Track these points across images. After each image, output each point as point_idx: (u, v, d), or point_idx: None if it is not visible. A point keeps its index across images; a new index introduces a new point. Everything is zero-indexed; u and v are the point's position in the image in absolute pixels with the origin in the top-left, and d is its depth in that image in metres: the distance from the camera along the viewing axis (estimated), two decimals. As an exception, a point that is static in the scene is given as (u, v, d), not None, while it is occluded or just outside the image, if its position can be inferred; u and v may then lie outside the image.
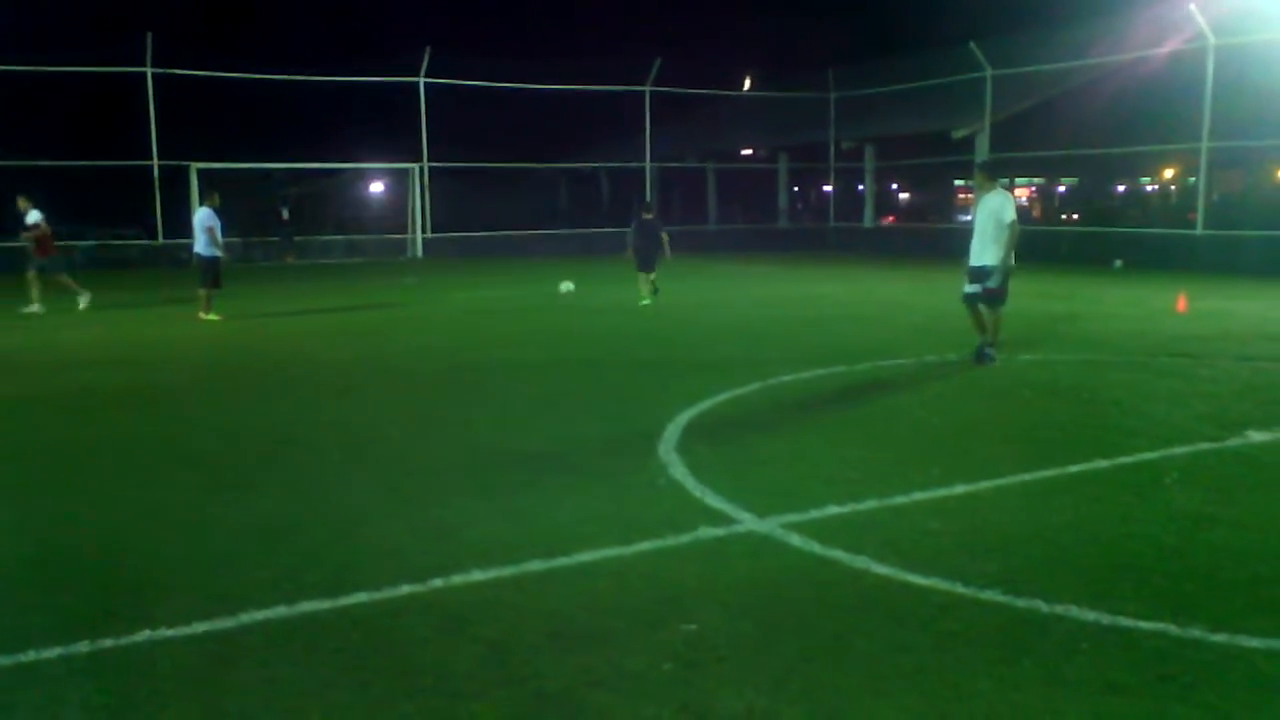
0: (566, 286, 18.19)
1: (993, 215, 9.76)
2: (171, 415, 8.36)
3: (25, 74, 26.36)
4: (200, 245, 14.88)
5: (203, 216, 14.88)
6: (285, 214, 30.13)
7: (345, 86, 29.36)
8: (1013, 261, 9.86)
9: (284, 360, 11.31)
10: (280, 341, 12.87)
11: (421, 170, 29.92)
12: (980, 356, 9.81)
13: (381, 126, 33.29)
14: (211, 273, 14.83)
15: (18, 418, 8.39)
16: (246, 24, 52.16)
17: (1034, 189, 43.88)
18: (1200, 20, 22.48)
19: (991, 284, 9.79)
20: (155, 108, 26.63)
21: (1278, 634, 3.93)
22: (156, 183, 26.86)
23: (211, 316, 14.61)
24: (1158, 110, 24.93)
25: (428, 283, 21.21)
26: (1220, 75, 22.63)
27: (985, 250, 9.82)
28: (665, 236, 16.53)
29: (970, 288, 9.96)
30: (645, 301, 16.14)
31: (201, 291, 14.81)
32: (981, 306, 9.94)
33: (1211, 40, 22.52)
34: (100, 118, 32.96)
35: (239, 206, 26.52)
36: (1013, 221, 9.67)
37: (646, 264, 16.31)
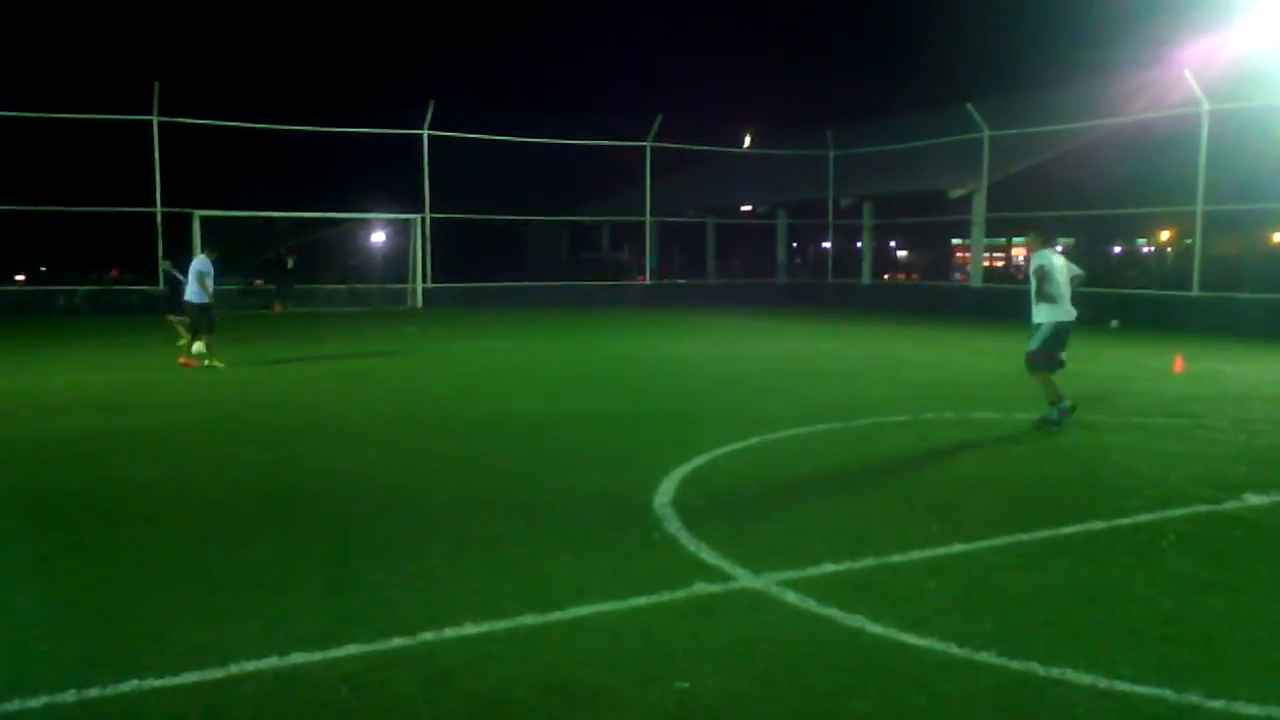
0: None
1: (1032, 276, 9.91)
2: (168, 462, 8.33)
3: (35, 120, 26.64)
4: (190, 292, 14.95)
5: (199, 264, 14.99)
6: (290, 263, 30.24)
7: (349, 137, 29.68)
8: (1063, 316, 9.78)
9: (283, 407, 11.31)
10: (280, 389, 12.88)
11: (423, 221, 30.13)
12: (1041, 422, 9.71)
13: (384, 177, 33.59)
14: (206, 319, 14.89)
15: (12, 463, 8.36)
16: (252, 74, 52.87)
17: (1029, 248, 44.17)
18: (1195, 86, 22.78)
19: (1030, 346, 9.89)
20: (160, 155, 26.85)
21: (1276, 701, 3.90)
22: (159, 230, 26.99)
23: (216, 363, 14.63)
24: (1154, 173, 25.22)
25: (428, 332, 21.26)
26: (1215, 140, 22.89)
27: (1031, 310, 9.96)
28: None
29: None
30: (182, 343, 15.76)
31: (203, 338, 14.85)
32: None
33: (1206, 105, 22.80)
34: (105, 164, 33.25)
35: (241, 254, 26.63)
36: (1037, 268, 9.70)
37: (178, 308, 16.21)
